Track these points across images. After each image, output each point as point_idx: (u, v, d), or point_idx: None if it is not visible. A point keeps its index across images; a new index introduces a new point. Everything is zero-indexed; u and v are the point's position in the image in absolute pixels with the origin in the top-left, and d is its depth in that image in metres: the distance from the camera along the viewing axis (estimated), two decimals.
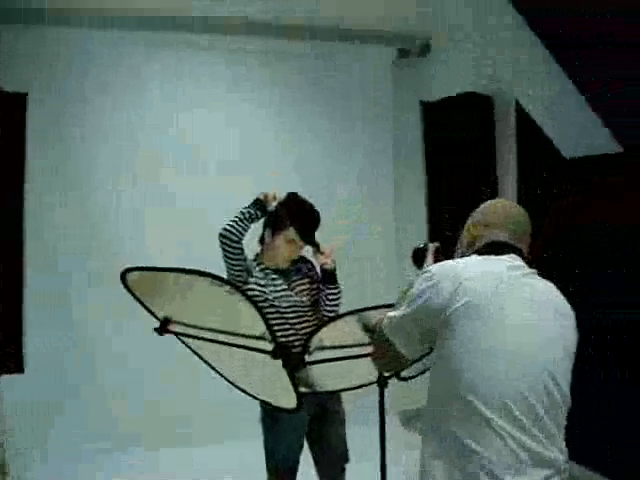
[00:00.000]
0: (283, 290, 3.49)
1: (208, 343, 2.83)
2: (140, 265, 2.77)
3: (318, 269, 3.63)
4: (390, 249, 5.96)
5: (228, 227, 3.45)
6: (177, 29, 5.30)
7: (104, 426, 5.05)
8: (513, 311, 1.95)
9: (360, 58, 5.91)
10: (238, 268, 3.46)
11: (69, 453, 4.85)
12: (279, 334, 3.25)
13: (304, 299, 3.51)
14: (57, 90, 5.05)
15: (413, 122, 5.78)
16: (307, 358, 2.71)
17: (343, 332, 2.77)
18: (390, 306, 2.78)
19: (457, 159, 5.21)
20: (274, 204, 3.56)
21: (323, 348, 2.72)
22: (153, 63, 5.42)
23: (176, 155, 5.44)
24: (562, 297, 2.08)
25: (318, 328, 2.77)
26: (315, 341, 2.71)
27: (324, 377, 2.97)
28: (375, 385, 2.91)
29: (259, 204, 3.56)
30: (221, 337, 2.76)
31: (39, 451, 4.81)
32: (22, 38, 4.86)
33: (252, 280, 3.48)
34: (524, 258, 2.12)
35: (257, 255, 3.63)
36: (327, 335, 2.73)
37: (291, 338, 3.34)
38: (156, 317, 2.91)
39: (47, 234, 5.05)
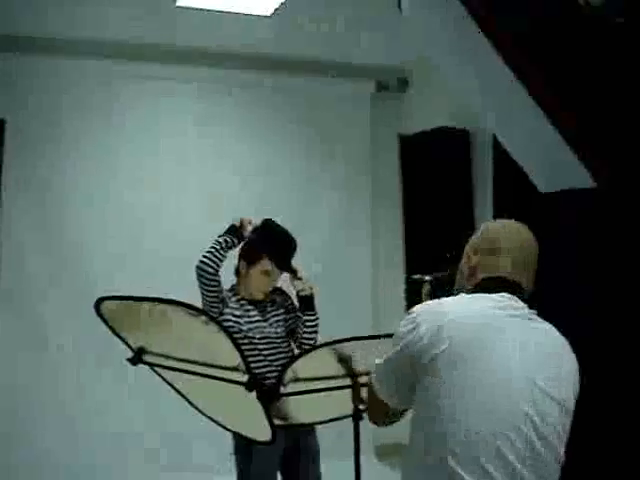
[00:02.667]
0: (257, 321, 3.48)
1: (183, 374, 2.81)
2: (114, 294, 2.75)
3: (294, 296, 3.62)
4: (366, 278, 5.97)
5: (204, 259, 3.44)
6: (151, 59, 5.32)
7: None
8: (496, 359, 1.80)
9: (338, 91, 5.93)
10: (214, 299, 3.45)
11: None
12: (253, 365, 3.24)
13: (278, 330, 3.50)
14: (34, 116, 5.03)
15: (390, 155, 5.82)
16: (282, 390, 2.69)
17: (318, 364, 2.75)
18: (366, 338, 2.80)
19: (434, 193, 5.25)
20: (250, 229, 3.56)
21: (297, 380, 2.70)
22: (128, 92, 5.41)
23: (150, 182, 5.42)
24: (562, 341, 1.94)
25: (292, 360, 2.75)
26: (289, 373, 2.69)
27: (299, 409, 2.95)
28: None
29: (234, 231, 3.55)
30: (196, 368, 2.74)
31: None
32: (4, 64, 4.87)
33: (227, 311, 3.47)
34: (523, 293, 1.96)
35: (233, 286, 3.62)
36: (302, 367, 2.71)
37: (264, 370, 3.34)
38: (130, 347, 2.88)
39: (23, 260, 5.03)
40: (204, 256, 3.46)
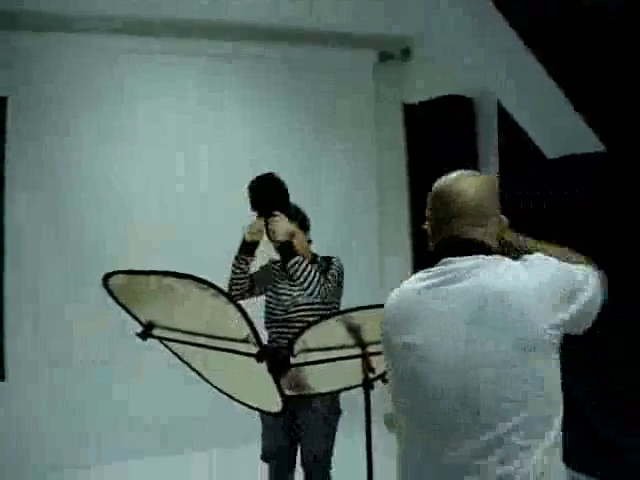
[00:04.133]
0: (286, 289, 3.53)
1: (193, 347, 2.81)
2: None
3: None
4: (373, 246, 5.98)
5: (232, 293, 3.48)
6: (156, 34, 5.27)
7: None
8: (423, 333, 1.82)
9: (341, 62, 5.89)
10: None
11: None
12: (281, 332, 3.30)
13: (299, 300, 3.51)
14: (37, 95, 5.01)
15: (395, 124, 5.78)
16: (292, 360, 2.69)
17: (328, 334, 2.75)
18: (373, 307, 2.79)
19: (439, 162, 5.19)
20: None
21: (308, 350, 2.70)
22: (134, 68, 5.38)
23: (154, 164, 5.41)
24: (514, 282, 1.78)
25: (302, 330, 2.75)
26: (299, 343, 2.69)
27: (311, 379, 2.95)
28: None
29: (245, 246, 3.60)
30: (206, 341, 2.73)
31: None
32: (7, 42, 4.85)
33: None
34: (479, 246, 1.87)
35: None
36: (311, 337, 2.71)
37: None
38: (139, 321, 2.88)
39: (27, 245, 5.02)
40: (230, 289, 3.52)
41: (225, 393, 3.03)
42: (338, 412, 3.56)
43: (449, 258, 1.88)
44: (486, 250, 1.88)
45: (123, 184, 5.27)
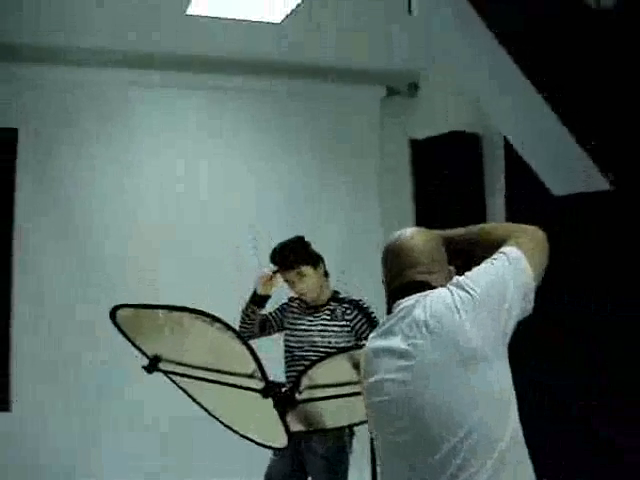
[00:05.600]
0: (302, 329, 3.57)
1: (198, 382, 2.81)
2: (127, 301, 2.76)
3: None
4: (378, 285, 5.91)
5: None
6: (162, 67, 5.33)
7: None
8: (377, 374, 1.97)
9: (348, 97, 5.92)
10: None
11: None
12: (288, 372, 3.33)
13: (331, 340, 3.49)
14: (46, 126, 5.05)
15: (401, 160, 5.79)
16: (297, 397, 2.69)
17: (335, 370, 2.76)
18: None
19: (446, 198, 5.21)
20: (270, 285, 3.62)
21: (314, 387, 2.70)
22: (138, 101, 5.42)
23: (162, 195, 5.44)
24: (440, 308, 1.89)
25: (308, 367, 2.75)
26: (305, 380, 2.69)
27: (319, 415, 2.94)
28: None
29: (255, 296, 3.63)
30: (212, 375, 2.74)
31: None
32: (14, 74, 4.90)
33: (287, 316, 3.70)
34: (425, 285, 1.99)
35: None
36: (319, 374, 2.72)
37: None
38: (145, 355, 2.89)
39: (37, 271, 5.03)
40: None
41: (229, 427, 3.03)
42: (342, 452, 3.51)
43: (398, 301, 2.01)
44: (431, 288, 1.99)
45: (131, 211, 5.30)
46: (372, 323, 3.44)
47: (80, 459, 4.91)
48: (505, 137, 4.76)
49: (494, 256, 1.97)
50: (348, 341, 3.48)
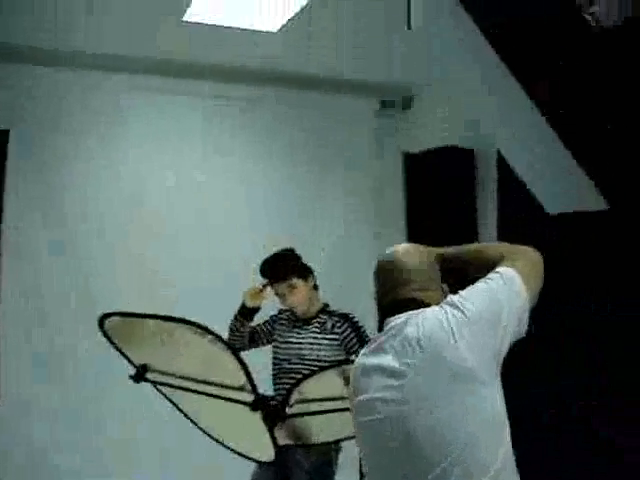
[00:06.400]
0: (290, 342, 3.56)
1: (186, 392, 2.77)
2: (117, 310, 2.72)
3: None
4: (370, 302, 5.87)
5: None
6: (158, 73, 5.30)
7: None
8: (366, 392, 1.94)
9: (342, 108, 5.88)
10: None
11: None
12: (277, 384, 3.30)
13: (320, 353, 3.46)
14: (37, 128, 5.00)
15: (394, 173, 5.78)
16: (287, 410, 2.65)
17: (325, 385, 2.72)
18: None
19: (438, 212, 5.20)
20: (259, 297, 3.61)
21: (305, 401, 2.66)
22: (134, 106, 5.38)
23: (155, 203, 5.39)
24: (432, 327, 1.86)
25: (299, 381, 2.72)
26: (295, 394, 2.66)
27: (309, 429, 2.91)
28: None
29: (243, 308, 3.63)
30: (200, 387, 2.70)
31: None
32: (5, 75, 4.84)
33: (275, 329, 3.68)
34: (417, 303, 1.96)
35: None
36: (309, 388, 2.69)
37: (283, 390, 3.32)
38: (133, 364, 2.85)
39: (25, 269, 4.96)
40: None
41: (216, 439, 2.99)
42: (328, 467, 3.47)
43: (389, 318, 1.97)
44: (424, 306, 1.96)
45: (126, 215, 5.25)
46: (361, 337, 3.42)
47: (82, 454, 4.82)
48: (499, 153, 4.77)
49: (489, 276, 1.95)
50: (337, 354, 3.45)
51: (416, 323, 1.89)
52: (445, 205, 5.15)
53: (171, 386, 2.82)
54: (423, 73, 5.49)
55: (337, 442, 3.36)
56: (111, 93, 5.22)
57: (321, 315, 3.56)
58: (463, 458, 1.76)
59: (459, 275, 2.12)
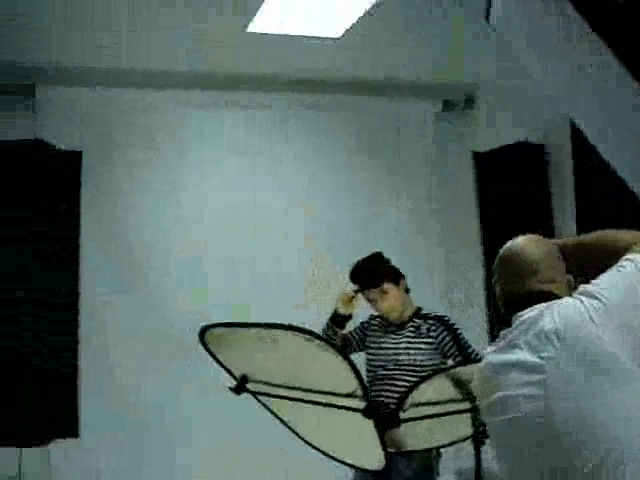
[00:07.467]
0: (385, 348, 3.50)
1: (289, 402, 2.72)
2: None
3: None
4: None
5: None
6: (221, 87, 5.32)
7: None
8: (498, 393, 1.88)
9: (403, 112, 5.82)
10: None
11: None
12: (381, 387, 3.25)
13: (417, 358, 3.40)
14: (109, 148, 5.04)
15: (463, 174, 5.67)
16: (401, 415, 2.59)
17: (435, 389, 2.66)
18: (477, 361, 2.71)
19: (512, 211, 5.07)
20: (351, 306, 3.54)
21: (417, 405, 2.60)
22: (192, 122, 5.39)
23: (217, 212, 5.38)
24: (570, 317, 1.81)
25: (413, 386, 2.66)
26: (409, 399, 2.60)
27: (412, 435, 2.84)
28: None
29: (335, 317, 3.54)
30: (304, 395, 2.64)
31: None
32: (76, 97, 4.91)
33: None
34: (548, 295, 1.90)
35: None
36: (420, 393, 2.63)
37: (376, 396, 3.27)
38: (233, 375, 2.80)
39: (100, 289, 4.95)
40: None
41: (321, 450, 2.92)
42: (429, 473, 3.40)
43: (519, 312, 1.90)
44: (553, 298, 1.90)
45: (185, 232, 5.26)
46: (458, 340, 3.34)
47: None
48: (573, 146, 4.67)
49: (621, 263, 1.88)
50: (433, 359, 3.38)
51: (551, 315, 1.82)
52: (519, 202, 5.04)
53: (274, 396, 2.76)
54: (486, 70, 5.41)
55: (437, 448, 3.29)
56: (177, 109, 5.27)
57: (415, 319, 3.49)
58: (613, 457, 1.68)
59: (581, 266, 2.06)
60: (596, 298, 1.80)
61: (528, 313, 1.88)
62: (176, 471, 4.88)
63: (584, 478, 1.69)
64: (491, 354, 1.96)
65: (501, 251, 2.06)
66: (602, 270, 1.92)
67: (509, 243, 2.06)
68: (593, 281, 1.88)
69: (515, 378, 1.83)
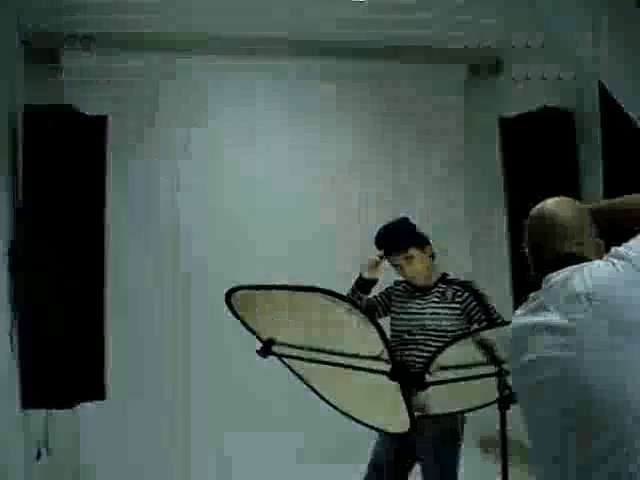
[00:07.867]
0: (411, 312, 3.48)
1: (314, 365, 2.73)
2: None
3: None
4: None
5: None
6: (247, 53, 5.29)
7: None
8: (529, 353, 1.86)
9: (432, 77, 5.83)
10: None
11: None
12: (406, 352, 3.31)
13: (442, 323, 3.39)
14: (134, 113, 5.08)
15: (488, 139, 5.63)
16: (427, 378, 2.59)
17: (459, 352, 2.66)
18: (501, 324, 2.71)
19: (539, 177, 5.02)
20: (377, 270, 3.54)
21: (444, 368, 2.60)
22: (224, 87, 5.40)
23: (245, 180, 5.43)
24: (601, 279, 1.79)
25: (440, 350, 2.66)
26: (435, 362, 2.60)
27: (441, 399, 2.84)
28: None
29: (359, 281, 3.54)
30: (330, 358, 2.65)
31: None
32: (101, 63, 4.94)
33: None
34: (577, 258, 1.88)
35: None
36: (446, 356, 2.63)
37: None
38: (259, 338, 2.82)
39: (128, 254, 5.04)
40: None
41: (344, 412, 2.94)
42: (455, 437, 3.41)
43: (549, 274, 1.89)
44: (583, 260, 1.89)
45: (221, 200, 5.33)
46: (484, 305, 3.33)
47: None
48: (602, 114, 4.59)
49: None
50: (459, 324, 3.37)
51: (582, 277, 1.81)
52: (546, 168, 4.98)
53: (299, 359, 2.77)
54: (516, 36, 5.34)
55: (461, 412, 3.29)
56: (201, 75, 5.32)
57: (440, 284, 3.47)
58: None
59: (611, 229, 2.05)
60: (627, 260, 1.78)
61: (558, 275, 1.86)
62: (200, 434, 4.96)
63: (611, 445, 1.68)
64: (521, 316, 1.94)
65: (532, 212, 2.03)
66: (632, 234, 1.91)
67: (540, 204, 2.03)
68: (625, 244, 1.86)
69: (546, 340, 1.82)
